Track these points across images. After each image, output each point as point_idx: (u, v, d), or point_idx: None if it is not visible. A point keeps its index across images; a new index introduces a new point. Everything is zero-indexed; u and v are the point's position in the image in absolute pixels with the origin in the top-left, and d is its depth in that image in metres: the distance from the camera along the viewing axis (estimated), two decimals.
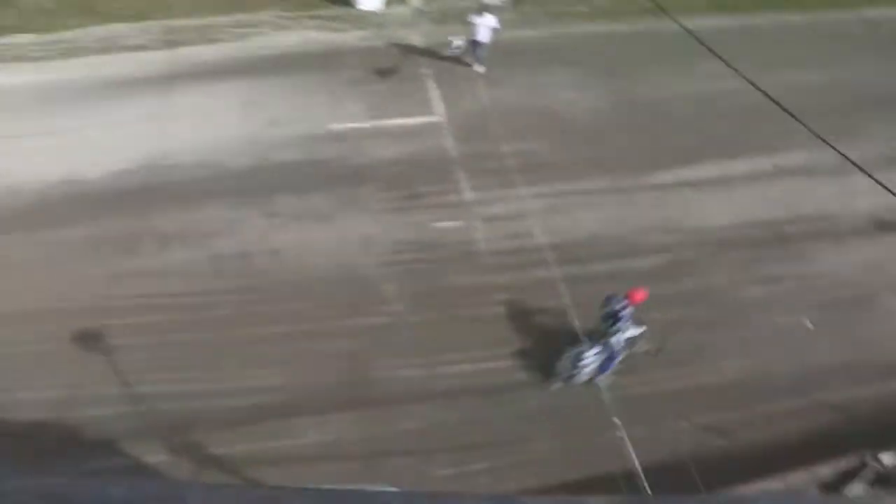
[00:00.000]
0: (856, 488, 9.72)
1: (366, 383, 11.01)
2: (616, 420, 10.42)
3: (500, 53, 18.11)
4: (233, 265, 12.61)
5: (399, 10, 20.37)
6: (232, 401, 10.56)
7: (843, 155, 13.04)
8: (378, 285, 12.45)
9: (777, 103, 12.44)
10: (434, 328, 11.78)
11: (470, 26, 17.11)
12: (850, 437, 10.60)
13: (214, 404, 10.51)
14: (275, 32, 18.83)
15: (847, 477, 9.87)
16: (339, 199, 14.00)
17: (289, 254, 12.86)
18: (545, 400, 10.89)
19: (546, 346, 11.53)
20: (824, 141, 12.97)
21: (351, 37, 18.90)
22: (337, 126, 15.68)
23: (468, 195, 14.29)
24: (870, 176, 12.73)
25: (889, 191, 12.47)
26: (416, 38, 19.07)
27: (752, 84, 13.69)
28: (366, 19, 19.73)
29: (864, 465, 9.69)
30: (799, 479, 9.42)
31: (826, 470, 9.69)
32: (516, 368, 11.35)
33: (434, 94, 16.99)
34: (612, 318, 10.35)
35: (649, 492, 9.53)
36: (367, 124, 15.83)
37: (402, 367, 11.23)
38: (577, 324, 11.57)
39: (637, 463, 9.79)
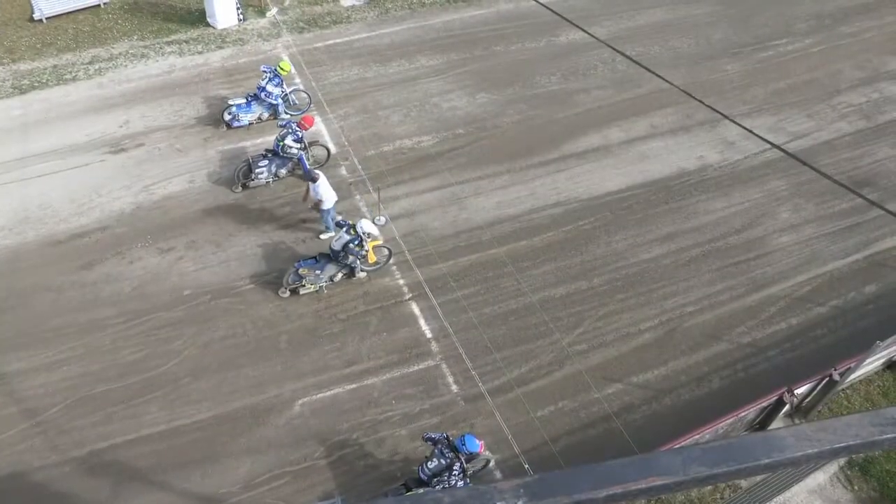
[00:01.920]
0: (777, 424, 10.17)
1: None
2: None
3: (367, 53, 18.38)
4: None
5: (256, 23, 20.17)
6: None
7: (715, 110, 14.12)
8: None
9: (644, 66, 13.38)
10: None
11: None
12: (764, 375, 11.39)
13: None
14: (133, 64, 18.24)
15: (769, 414, 10.32)
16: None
17: None
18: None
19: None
20: (693, 98, 14.04)
21: (215, 57, 18.60)
22: None
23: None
24: (743, 127, 13.90)
25: (761, 138, 13.68)
26: (280, 49, 19.00)
27: (623, 54, 14.69)
28: (225, 37, 19.45)
29: (781, 402, 9.97)
30: (727, 424, 9.61)
31: (751, 412, 9.93)
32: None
33: None
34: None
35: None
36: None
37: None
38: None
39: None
